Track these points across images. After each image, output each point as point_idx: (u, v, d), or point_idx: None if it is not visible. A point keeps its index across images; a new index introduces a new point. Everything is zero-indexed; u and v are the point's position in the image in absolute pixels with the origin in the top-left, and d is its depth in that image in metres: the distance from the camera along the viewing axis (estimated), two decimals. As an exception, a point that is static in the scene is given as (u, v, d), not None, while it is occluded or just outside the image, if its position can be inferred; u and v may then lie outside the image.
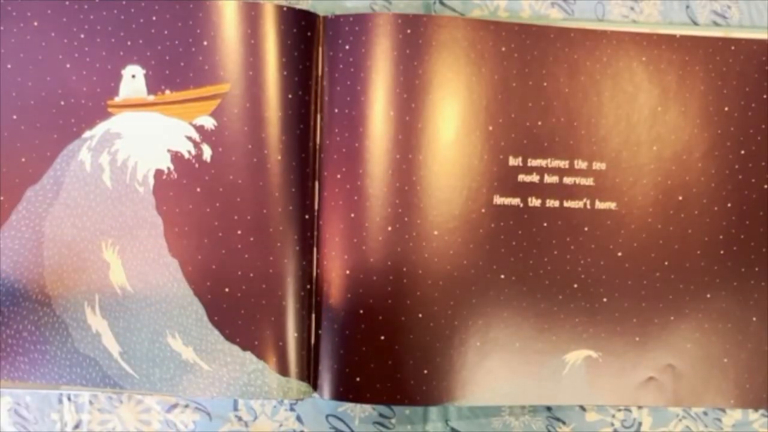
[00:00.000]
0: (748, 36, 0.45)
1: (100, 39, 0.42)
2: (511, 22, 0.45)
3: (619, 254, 0.45)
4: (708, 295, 0.45)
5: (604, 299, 0.45)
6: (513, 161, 0.44)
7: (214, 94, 0.42)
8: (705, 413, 0.47)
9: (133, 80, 0.43)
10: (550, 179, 0.44)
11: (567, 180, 0.44)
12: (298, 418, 0.46)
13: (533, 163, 0.44)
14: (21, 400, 0.46)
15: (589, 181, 0.45)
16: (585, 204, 0.45)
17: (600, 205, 0.45)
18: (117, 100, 0.43)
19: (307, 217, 0.43)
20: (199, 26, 0.42)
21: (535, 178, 0.44)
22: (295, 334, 0.43)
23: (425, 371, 0.43)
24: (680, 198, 0.45)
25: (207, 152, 0.43)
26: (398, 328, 0.43)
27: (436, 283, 0.43)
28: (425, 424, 0.46)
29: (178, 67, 0.42)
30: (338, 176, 0.43)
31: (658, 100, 0.45)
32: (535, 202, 0.44)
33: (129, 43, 0.42)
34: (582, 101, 0.44)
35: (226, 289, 0.43)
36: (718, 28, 0.47)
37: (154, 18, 0.42)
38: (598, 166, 0.45)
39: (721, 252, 0.45)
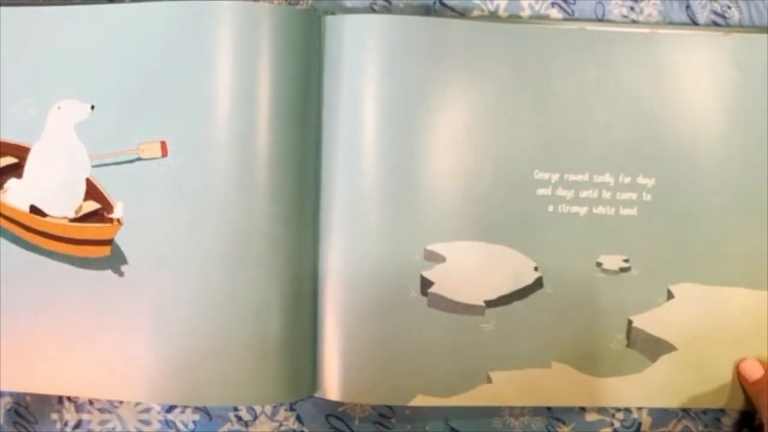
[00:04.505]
0: (748, 36, 0.45)
1: None
2: (511, 22, 0.45)
3: None
4: None
5: None
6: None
7: None
8: (705, 413, 0.47)
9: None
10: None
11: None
12: (298, 418, 0.46)
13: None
14: (21, 400, 0.46)
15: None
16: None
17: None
18: None
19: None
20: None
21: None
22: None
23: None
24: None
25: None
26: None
27: (436, 283, 0.43)
28: (425, 424, 0.46)
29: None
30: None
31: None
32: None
33: None
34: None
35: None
36: (718, 28, 0.47)
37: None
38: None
39: None
